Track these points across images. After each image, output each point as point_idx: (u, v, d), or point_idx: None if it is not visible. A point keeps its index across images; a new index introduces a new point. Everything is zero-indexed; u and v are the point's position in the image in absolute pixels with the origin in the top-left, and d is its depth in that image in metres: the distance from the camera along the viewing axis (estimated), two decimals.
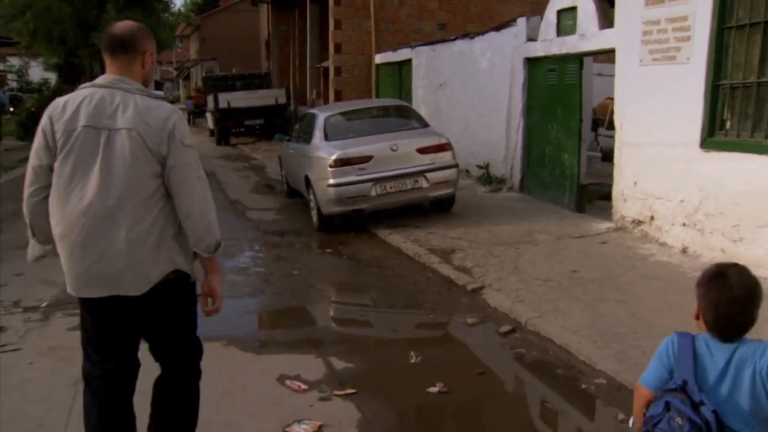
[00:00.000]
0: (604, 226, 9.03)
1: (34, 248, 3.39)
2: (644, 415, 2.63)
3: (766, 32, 6.87)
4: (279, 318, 6.80)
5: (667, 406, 2.50)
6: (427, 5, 20.16)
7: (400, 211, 10.04)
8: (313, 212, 10.23)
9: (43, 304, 6.85)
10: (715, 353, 2.54)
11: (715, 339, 2.56)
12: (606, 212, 9.41)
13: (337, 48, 19.93)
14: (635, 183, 8.65)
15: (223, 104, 24.85)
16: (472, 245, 8.48)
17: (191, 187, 3.16)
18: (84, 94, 3.16)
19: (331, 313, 7.11)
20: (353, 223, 9.94)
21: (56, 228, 3.15)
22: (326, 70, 21.65)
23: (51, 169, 3.13)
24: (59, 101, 3.19)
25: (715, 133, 7.51)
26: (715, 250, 7.40)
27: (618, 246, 8.19)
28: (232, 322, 6.62)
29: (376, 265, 8.23)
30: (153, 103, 3.16)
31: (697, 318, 2.64)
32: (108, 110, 3.09)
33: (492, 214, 10.20)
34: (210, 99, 26.34)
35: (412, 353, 5.44)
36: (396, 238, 9.14)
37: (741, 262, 6.12)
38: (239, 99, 25.01)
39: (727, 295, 2.52)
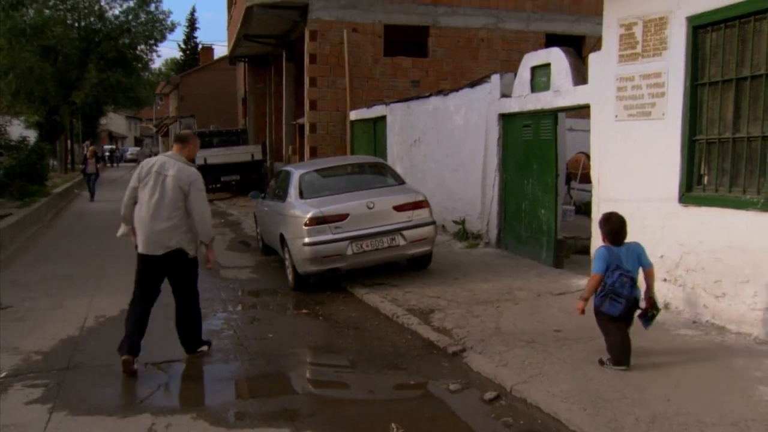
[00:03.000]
0: (583, 282, 8.68)
1: (122, 229, 6.69)
2: (597, 289, 5.69)
3: (738, 89, 6.74)
4: (253, 386, 6.29)
5: (620, 276, 5.54)
6: (401, 63, 20.13)
7: (376, 269, 9.68)
8: (289, 271, 9.83)
9: (2, 375, 6.34)
10: (617, 251, 5.68)
11: (614, 246, 5.71)
12: (584, 267, 9.10)
13: (313, 105, 19.77)
14: None
15: (199, 160, 24.45)
16: (452, 304, 8.11)
17: (202, 211, 6.40)
18: (158, 158, 6.56)
19: (308, 381, 6.62)
20: (329, 282, 9.56)
21: (138, 216, 6.40)
22: (302, 126, 21.45)
23: (137, 190, 6.43)
24: (147, 161, 6.60)
25: (693, 188, 7.30)
26: (697, 306, 7.11)
27: None
28: (202, 392, 6.20)
29: (353, 327, 7.80)
30: (186, 167, 6.43)
31: (604, 240, 5.79)
32: (166, 166, 6.39)
33: (470, 270, 9.86)
34: None
35: (393, 426, 5.02)
36: (373, 297, 8.74)
37: (724, 318, 5.97)
38: (216, 155, 24.74)
39: (619, 225, 5.75)
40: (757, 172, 6.55)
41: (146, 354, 6.89)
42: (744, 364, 5.81)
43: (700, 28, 7.12)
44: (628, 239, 5.81)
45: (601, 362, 5.80)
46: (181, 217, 6.32)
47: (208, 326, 8.06)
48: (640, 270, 5.79)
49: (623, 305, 5.57)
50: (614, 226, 5.75)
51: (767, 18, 6.36)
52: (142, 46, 41.78)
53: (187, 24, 76.15)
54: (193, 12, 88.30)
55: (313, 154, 19.50)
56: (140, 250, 6.39)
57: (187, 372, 6.62)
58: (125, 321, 6.48)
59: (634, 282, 5.60)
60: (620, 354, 5.71)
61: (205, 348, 6.93)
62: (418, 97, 15.39)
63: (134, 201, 6.44)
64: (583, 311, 5.75)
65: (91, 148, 29.97)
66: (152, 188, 6.31)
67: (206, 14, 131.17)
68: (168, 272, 6.51)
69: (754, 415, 4.80)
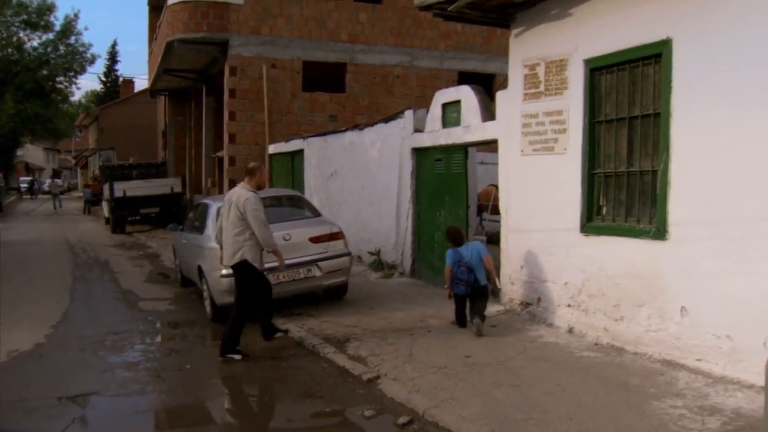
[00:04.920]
0: (493, 309, 8.87)
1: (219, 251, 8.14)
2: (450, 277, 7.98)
3: (630, 127, 7.10)
4: (171, 418, 6.18)
5: (460, 266, 7.83)
6: (319, 98, 20.27)
7: (293, 300, 9.63)
8: (207, 302, 9.69)
9: None
10: (460, 251, 7.96)
11: (457, 247, 7.99)
12: (494, 295, 9.28)
13: (232, 138, 19.66)
14: (521, 267, 8.59)
15: (118, 193, 24.04)
16: (367, 333, 8.14)
17: (257, 225, 7.44)
18: (234, 189, 7.85)
19: (226, 411, 6.53)
20: None
21: (222, 236, 7.81)
22: (221, 159, 21.28)
23: (223, 217, 7.78)
24: (228, 193, 7.99)
25: (593, 219, 7.58)
26: (598, 329, 7.36)
27: (508, 328, 8.05)
28: (120, 425, 6.03)
29: (270, 357, 7.74)
30: (244, 192, 7.59)
31: (451, 243, 8.10)
32: (233, 195, 7.67)
33: (385, 300, 9.92)
34: (106, 188, 25.43)
35: None
36: (290, 327, 8.68)
37: (623, 339, 6.24)
38: (135, 188, 24.28)
39: (456, 233, 8.18)
40: (649, 203, 6.87)
41: (61, 387, 6.70)
42: (640, 381, 6.04)
43: (596, 70, 7.47)
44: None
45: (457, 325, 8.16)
46: (241, 233, 7.51)
47: (125, 358, 7.90)
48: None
49: (464, 286, 7.87)
50: (452, 235, 8.20)
51: (653, 63, 6.74)
52: (62, 78, 40.89)
53: (108, 57, 74.48)
54: (114, 45, 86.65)
55: (232, 186, 19.25)
56: (225, 263, 7.86)
57: (103, 405, 6.44)
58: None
59: (471, 270, 7.85)
60: (458, 320, 8.12)
61: (237, 357, 7.65)
62: (334, 132, 15.50)
63: (221, 227, 7.88)
64: (449, 296, 8.15)
65: None
66: (226, 213, 7.67)
67: (129, 47, 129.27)
68: (238, 278, 7.71)
69: (647, 428, 5.01)
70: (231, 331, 7.61)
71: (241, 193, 7.58)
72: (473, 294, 7.93)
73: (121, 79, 66.29)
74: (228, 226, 7.57)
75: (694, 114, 6.30)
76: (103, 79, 72.27)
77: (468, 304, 8.07)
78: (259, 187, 7.81)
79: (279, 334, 8.17)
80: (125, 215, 24.49)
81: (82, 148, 67.88)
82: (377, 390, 6.36)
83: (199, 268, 9.80)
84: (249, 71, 19.51)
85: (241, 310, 7.63)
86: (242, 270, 7.57)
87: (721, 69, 6.07)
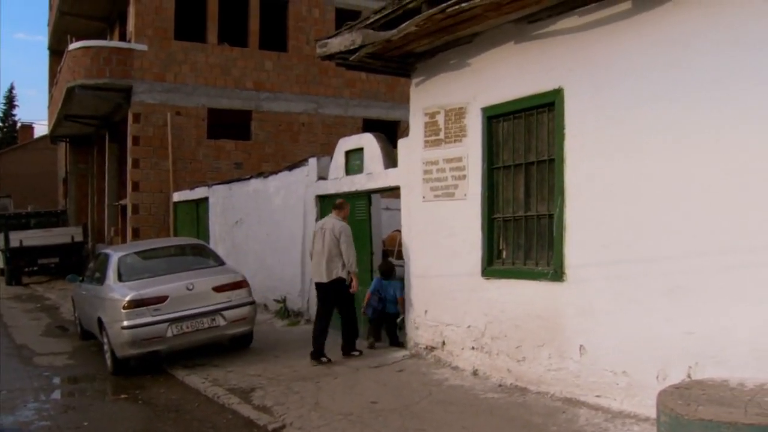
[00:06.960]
0: (399, 354, 8.86)
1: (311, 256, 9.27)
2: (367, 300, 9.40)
3: (527, 173, 7.26)
4: None
5: (374, 295, 9.36)
6: (224, 146, 20.04)
7: (198, 350, 9.33)
8: (108, 355, 9.27)
9: None
10: (383, 283, 9.38)
11: (383, 279, 9.40)
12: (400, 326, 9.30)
13: (135, 186, 19.16)
14: (426, 311, 8.61)
15: (14, 243, 22.94)
16: (272, 382, 7.94)
17: (347, 251, 8.76)
18: (325, 219, 9.23)
19: None
20: (150, 365, 9.10)
21: (313, 258, 9.07)
22: (125, 207, 20.68)
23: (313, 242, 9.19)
24: (319, 222, 9.50)
25: (493, 262, 7.67)
26: (502, 371, 7.40)
27: (414, 373, 8.01)
28: None
29: (174, 410, 7.43)
30: (338, 222, 8.96)
31: (381, 274, 9.51)
32: (328, 224, 8.99)
33: (291, 348, 9.73)
34: (1, 237, 24.24)
35: None
36: (194, 379, 8.40)
37: (526, 380, 6.22)
38: (33, 237, 23.25)
39: (387, 268, 9.52)
40: (547, 246, 7.01)
41: None
42: (542, 420, 6.09)
43: (493, 118, 7.64)
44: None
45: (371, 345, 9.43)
46: (337, 256, 8.74)
47: (17, 418, 7.43)
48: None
49: (371, 311, 9.36)
50: (384, 269, 9.47)
51: (547, 111, 6.96)
52: None
53: (5, 101, 71.42)
54: (11, 89, 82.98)
55: (136, 235, 18.80)
56: (314, 280, 9.08)
57: None
58: (313, 331, 8.99)
59: (381, 300, 9.28)
60: (370, 335, 9.49)
61: (356, 353, 8.98)
62: (239, 179, 15.33)
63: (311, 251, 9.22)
64: (364, 314, 9.47)
65: None
66: (320, 239, 8.88)
67: (28, 92, 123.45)
68: (332, 294, 8.86)
69: None
70: (349, 334, 8.98)
71: (336, 222, 8.94)
72: (382, 318, 9.46)
73: (19, 125, 63.64)
74: (325, 250, 8.79)
75: (586, 160, 6.51)
76: (0, 124, 69.39)
77: (376, 324, 9.56)
78: (345, 218, 9.09)
79: (356, 353, 8.98)
80: (22, 266, 23.41)
81: None
82: None
83: (99, 320, 9.40)
84: (153, 118, 19.14)
85: (351, 314, 9.02)
86: (339, 285, 8.79)
87: (610, 117, 6.30)
